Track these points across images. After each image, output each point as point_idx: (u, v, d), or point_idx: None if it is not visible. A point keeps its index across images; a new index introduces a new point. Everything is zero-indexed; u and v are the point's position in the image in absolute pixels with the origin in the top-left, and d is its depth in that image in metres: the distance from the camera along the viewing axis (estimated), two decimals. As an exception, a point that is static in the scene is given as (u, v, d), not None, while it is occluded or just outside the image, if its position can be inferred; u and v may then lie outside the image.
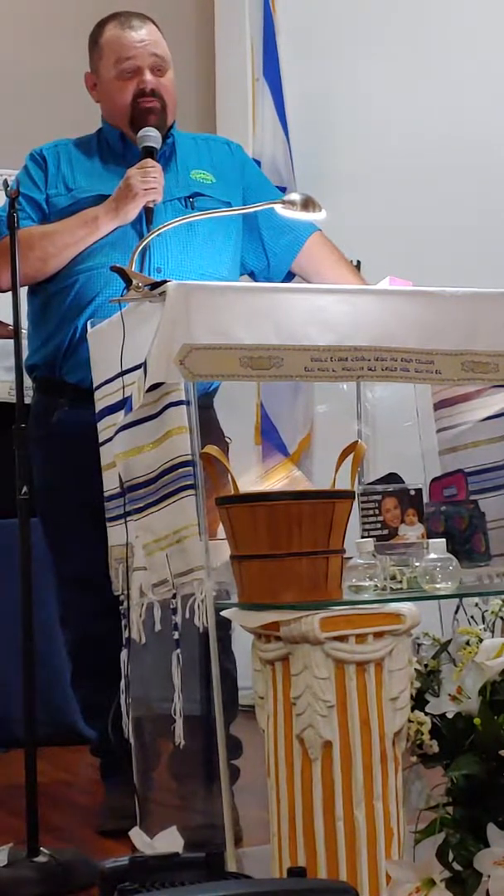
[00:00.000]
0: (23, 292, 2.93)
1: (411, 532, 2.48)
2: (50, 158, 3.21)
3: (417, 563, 2.35)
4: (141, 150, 3.11)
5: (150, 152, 3.10)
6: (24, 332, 2.95)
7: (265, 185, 3.39)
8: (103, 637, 2.81)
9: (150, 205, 3.04)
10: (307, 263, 3.28)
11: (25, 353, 3.07)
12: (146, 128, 3.13)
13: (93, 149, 3.26)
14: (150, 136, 3.12)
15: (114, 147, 3.23)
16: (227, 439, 3.18)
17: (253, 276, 3.32)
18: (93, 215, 3.07)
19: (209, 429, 3.04)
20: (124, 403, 2.55)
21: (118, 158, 3.20)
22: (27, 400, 2.91)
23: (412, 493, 2.51)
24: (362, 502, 2.50)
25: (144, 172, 3.04)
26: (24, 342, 2.90)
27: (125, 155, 3.19)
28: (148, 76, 3.17)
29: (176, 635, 2.43)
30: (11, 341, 2.79)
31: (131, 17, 3.22)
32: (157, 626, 2.49)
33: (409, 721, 2.23)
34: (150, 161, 3.07)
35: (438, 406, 3.01)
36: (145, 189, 3.02)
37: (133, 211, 3.05)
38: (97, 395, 2.74)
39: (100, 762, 3.33)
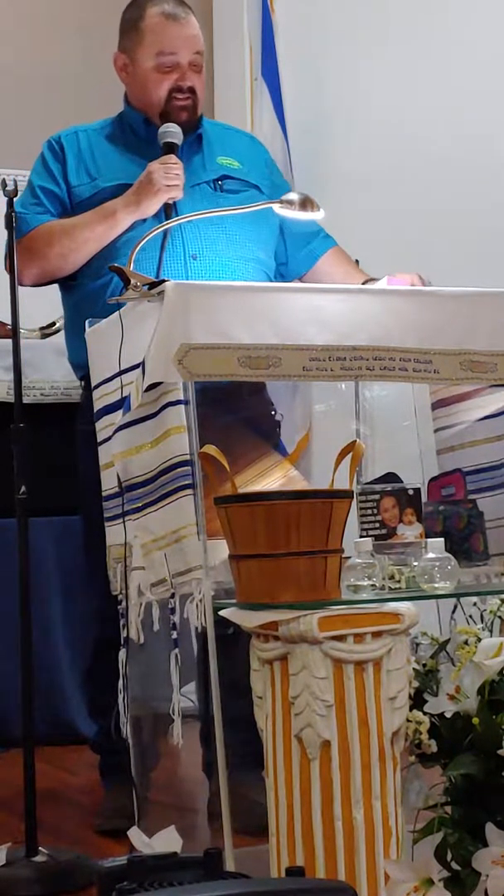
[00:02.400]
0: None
1: (409, 531, 2.48)
2: (69, 147, 3.18)
3: (416, 563, 2.35)
4: (162, 145, 3.09)
5: (171, 148, 3.08)
6: (23, 331, 2.95)
7: (285, 187, 3.37)
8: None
9: (170, 201, 3.01)
10: (314, 278, 3.28)
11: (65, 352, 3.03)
12: (168, 123, 3.11)
13: (115, 134, 3.23)
14: (172, 131, 3.09)
15: (137, 132, 3.20)
16: (279, 415, 3.16)
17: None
18: (111, 209, 3.04)
19: (261, 407, 3.05)
20: (123, 403, 2.55)
21: (141, 144, 3.17)
22: (28, 400, 2.91)
23: (410, 492, 2.51)
24: (361, 502, 2.50)
25: (167, 168, 3.00)
26: (25, 342, 2.90)
27: (149, 140, 3.16)
28: (188, 74, 3.14)
29: (174, 635, 2.43)
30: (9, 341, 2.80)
31: (176, 4, 3.17)
32: (156, 626, 2.49)
33: (408, 720, 2.23)
34: (172, 157, 3.04)
35: (437, 405, 3.01)
36: (167, 185, 2.99)
37: (154, 206, 3.02)
38: (95, 394, 2.74)
39: (99, 760, 3.32)
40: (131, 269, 2.63)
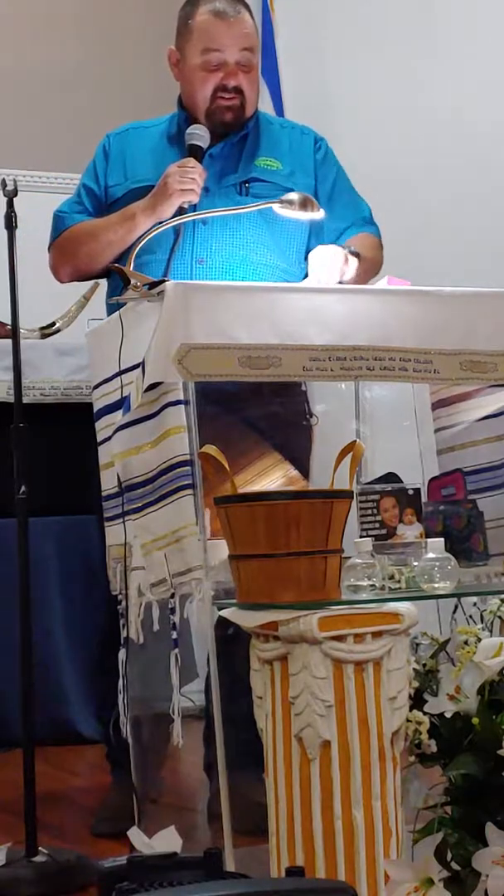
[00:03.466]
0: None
1: (409, 531, 2.48)
2: (115, 146, 3.20)
3: (416, 563, 2.35)
4: (187, 147, 3.07)
5: (196, 150, 3.06)
6: (23, 331, 2.95)
7: (341, 186, 3.31)
8: None
9: (185, 205, 2.99)
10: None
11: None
12: (196, 125, 3.09)
13: (160, 133, 3.21)
14: (198, 134, 3.07)
15: (182, 129, 3.15)
16: (315, 418, 3.15)
17: None
18: (131, 212, 3.04)
19: (296, 411, 3.06)
20: (122, 403, 2.55)
21: (182, 144, 3.13)
22: (28, 399, 2.90)
23: (410, 492, 2.51)
24: (361, 502, 2.50)
25: (183, 171, 2.98)
26: (25, 342, 2.90)
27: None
28: (233, 72, 3.09)
29: (174, 635, 2.43)
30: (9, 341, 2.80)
31: (228, 2, 3.11)
32: (156, 626, 2.49)
33: (408, 720, 2.23)
34: (191, 161, 3.02)
35: (437, 406, 3.01)
36: (181, 189, 2.97)
37: (168, 210, 2.99)
38: (95, 394, 2.74)
39: (108, 751, 3.30)
40: (131, 268, 2.63)
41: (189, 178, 2.97)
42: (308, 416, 3.14)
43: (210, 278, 2.98)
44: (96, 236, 3.09)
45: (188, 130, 3.09)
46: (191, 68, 3.13)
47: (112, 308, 3.02)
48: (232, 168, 3.12)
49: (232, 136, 3.13)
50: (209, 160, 3.08)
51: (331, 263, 2.94)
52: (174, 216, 2.97)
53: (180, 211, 2.99)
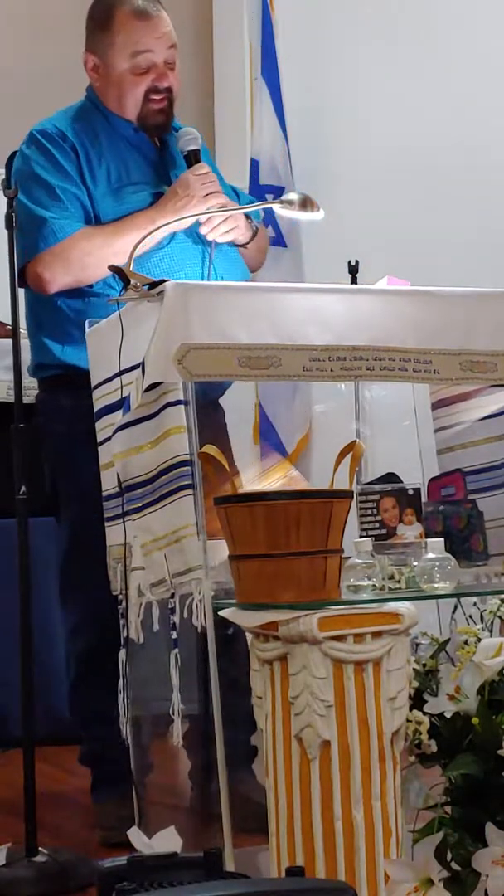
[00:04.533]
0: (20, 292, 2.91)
1: (409, 532, 2.48)
2: (78, 146, 3.06)
3: (416, 563, 2.35)
4: (186, 155, 3.05)
5: (195, 155, 3.04)
6: (24, 331, 2.94)
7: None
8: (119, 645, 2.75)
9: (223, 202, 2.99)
10: None
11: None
12: (185, 129, 3.08)
13: (108, 136, 3.12)
14: (193, 138, 3.06)
15: (129, 138, 3.12)
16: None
17: None
18: (150, 220, 2.96)
19: (215, 428, 3.01)
20: (122, 403, 2.55)
21: (135, 150, 3.12)
22: (28, 399, 2.89)
23: (410, 492, 2.51)
24: (360, 502, 2.50)
25: (202, 178, 2.98)
26: (24, 342, 2.90)
27: (140, 147, 3.12)
28: (163, 73, 3.06)
29: (174, 635, 2.43)
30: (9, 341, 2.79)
31: (145, 1, 3.06)
32: (156, 626, 2.49)
33: (408, 720, 2.23)
34: (203, 166, 3.01)
35: (436, 406, 3.01)
36: (204, 195, 2.97)
37: (190, 219, 2.98)
38: (95, 394, 2.74)
39: (92, 773, 3.23)
40: (131, 268, 2.63)
41: (210, 182, 2.99)
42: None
43: None
44: (110, 245, 2.96)
45: (183, 136, 3.07)
46: (118, 72, 3.07)
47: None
48: (183, 171, 3.09)
49: (169, 138, 3.13)
50: (164, 167, 3.09)
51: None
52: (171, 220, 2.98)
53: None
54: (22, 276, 2.97)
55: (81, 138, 3.10)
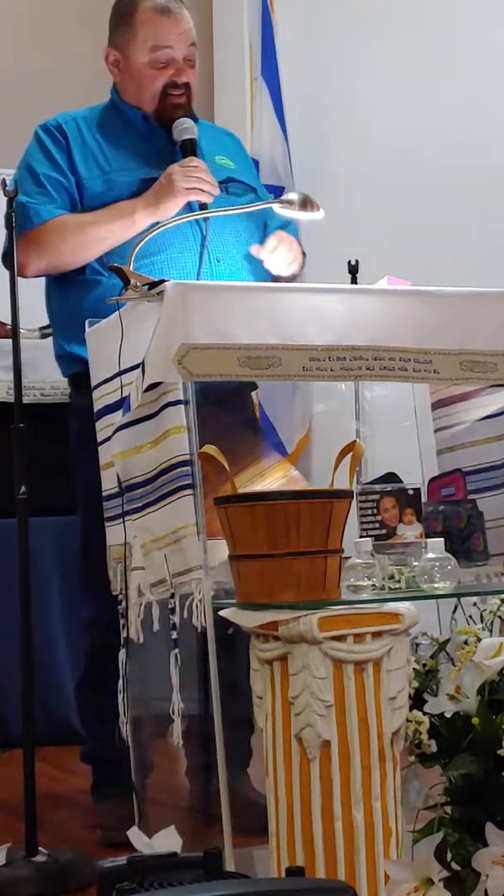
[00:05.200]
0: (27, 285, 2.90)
1: (409, 531, 2.48)
2: (72, 135, 3.11)
3: (416, 563, 2.35)
4: (180, 143, 3.06)
5: (191, 144, 3.05)
6: (23, 331, 2.94)
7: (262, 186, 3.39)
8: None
9: (203, 199, 2.98)
10: None
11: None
12: (182, 119, 3.08)
13: (115, 126, 3.16)
14: (188, 127, 3.07)
15: (138, 127, 3.15)
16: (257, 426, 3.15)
17: None
18: (129, 209, 3.00)
19: (243, 422, 3.03)
20: (123, 403, 2.55)
21: (144, 139, 3.14)
22: (28, 399, 2.89)
23: (410, 492, 2.51)
24: (360, 502, 2.50)
25: (187, 171, 2.98)
26: (25, 342, 2.90)
27: (150, 137, 3.14)
28: (182, 68, 3.10)
29: (174, 635, 2.43)
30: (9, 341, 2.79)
31: None
32: (156, 626, 2.49)
33: (408, 720, 2.23)
34: (194, 160, 3.02)
35: (436, 406, 3.01)
36: (187, 188, 2.96)
37: (173, 209, 2.98)
38: (95, 394, 2.74)
39: (93, 771, 3.23)
40: (131, 268, 2.63)
41: (194, 177, 2.97)
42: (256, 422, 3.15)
43: (227, 276, 3.01)
44: (86, 232, 3.00)
45: (177, 127, 3.08)
46: (138, 66, 3.12)
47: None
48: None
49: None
50: (174, 157, 3.08)
51: (292, 249, 3.07)
52: (176, 215, 2.97)
53: (200, 205, 2.99)
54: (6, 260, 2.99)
55: (79, 126, 3.13)
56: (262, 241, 3.15)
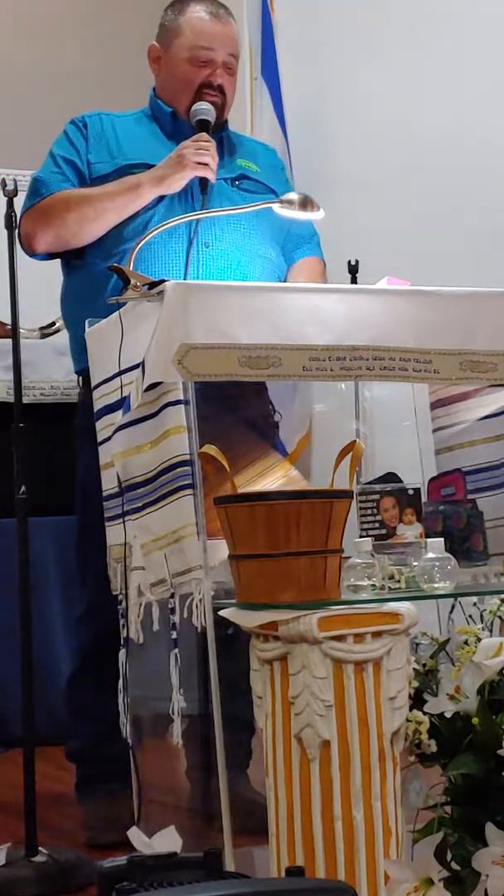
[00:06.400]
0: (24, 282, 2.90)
1: (409, 531, 2.48)
2: (92, 124, 3.16)
3: (415, 563, 2.35)
4: (195, 122, 3.08)
5: (204, 125, 3.07)
6: (23, 331, 2.94)
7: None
8: (117, 641, 2.75)
9: (206, 175, 3.00)
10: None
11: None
12: (200, 102, 3.10)
13: (140, 121, 3.22)
14: (205, 109, 3.09)
15: (163, 123, 3.19)
16: (278, 414, 3.14)
17: None
18: (135, 181, 3.02)
19: (259, 413, 3.04)
20: (123, 403, 2.55)
21: (167, 135, 3.16)
22: (28, 399, 2.90)
23: (410, 492, 2.51)
24: (360, 502, 2.50)
25: (199, 146, 2.99)
26: (25, 342, 2.90)
27: (174, 132, 3.15)
28: (220, 72, 3.14)
29: (174, 635, 2.43)
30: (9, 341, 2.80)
31: (219, 6, 3.19)
32: (156, 626, 2.49)
33: (408, 720, 2.23)
34: (204, 136, 3.03)
35: (435, 405, 3.01)
36: (196, 161, 2.97)
37: (179, 182, 3.00)
38: (95, 394, 2.74)
39: (77, 770, 3.24)
40: (131, 268, 2.63)
41: (204, 151, 2.98)
42: (273, 414, 3.14)
43: (214, 262, 3.01)
44: (91, 202, 3.02)
45: (195, 107, 3.11)
46: (176, 62, 3.16)
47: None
48: (219, 163, 3.10)
49: (213, 136, 3.12)
50: None
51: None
52: (190, 191, 3.00)
53: (201, 185, 3.01)
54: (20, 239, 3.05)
55: (102, 120, 3.19)
56: (279, 244, 3.17)
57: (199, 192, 3.02)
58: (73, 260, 3.14)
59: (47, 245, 3.09)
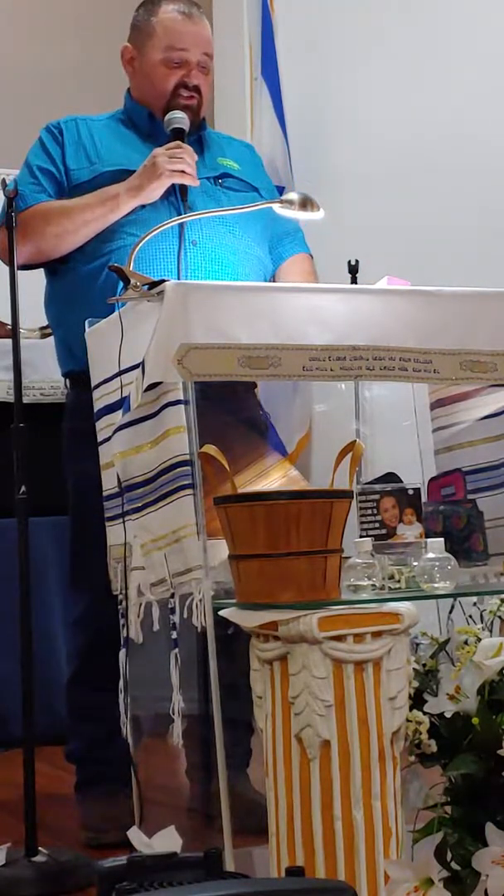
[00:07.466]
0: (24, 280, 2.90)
1: (409, 531, 2.48)
2: (67, 131, 3.16)
3: (415, 563, 2.35)
4: (169, 132, 3.08)
5: (179, 134, 3.07)
6: (23, 331, 2.94)
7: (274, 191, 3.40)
8: (116, 641, 2.75)
9: (185, 182, 3.00)
10: (276, 279, 3.28)
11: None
12: (174, 110, 3.10)
13: (117, 124, 3.22)
14: (178, 118, 3.09)
15: (140, 125, 3.20)
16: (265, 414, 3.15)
17: None
18: (113, 193, 3.02)
19: (249, 409, 3.04)
20: (122, 403, 2.55)
21: (144, 137, 3.17)
22: (28, 399, 2.90)
23: (410, 492, 2.51)
24: (360, 502, 2.50)
25: (172, 153, 2.99)
26: (25, 342, 2.90)
27: (152, 134, 3.16)
28: (195, 72, 3.14)
29: (174, 635, 2.43)
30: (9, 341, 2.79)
31: (191, 5, 3.18)
32: (156, 626, 2.49)
33: (408, 720, 2.23)
34: (179, 143, 3.03)
35: (435, 405, 3.01)
36: (171, 170, 2.97)
37: (157, 191, 3.00)
38: (95, 394, 2.74)
39: (77, 770, 3.24)
40: (131, 267, 2.63)
41: (178, 159, 2.98)
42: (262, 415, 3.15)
43: (202, 260, 3.02)
44: (70, 215, 3.02)
45: (168, 116, 3.11)
46: (151, 64, 3.16)
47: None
48: (200, 165, 3.11)
49: (190, 137, 3.13)
50: None
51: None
52: (170, 195, 3.00)
53: (181, 193, 3.01)
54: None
55: (77, 125, 3.18)
56: (266, 241, 3.18)
57: (178, 192, 3.02)
58: (56, 264, 3.14)
59: (27, 258, 3.08)
